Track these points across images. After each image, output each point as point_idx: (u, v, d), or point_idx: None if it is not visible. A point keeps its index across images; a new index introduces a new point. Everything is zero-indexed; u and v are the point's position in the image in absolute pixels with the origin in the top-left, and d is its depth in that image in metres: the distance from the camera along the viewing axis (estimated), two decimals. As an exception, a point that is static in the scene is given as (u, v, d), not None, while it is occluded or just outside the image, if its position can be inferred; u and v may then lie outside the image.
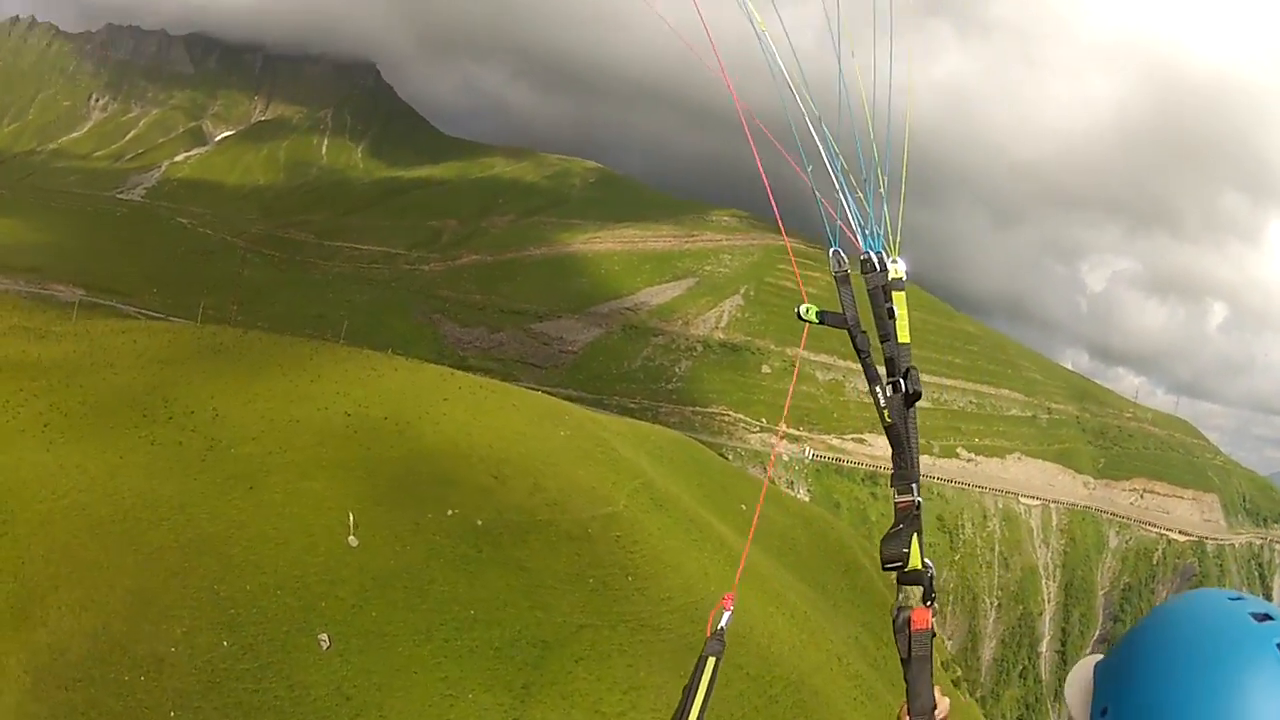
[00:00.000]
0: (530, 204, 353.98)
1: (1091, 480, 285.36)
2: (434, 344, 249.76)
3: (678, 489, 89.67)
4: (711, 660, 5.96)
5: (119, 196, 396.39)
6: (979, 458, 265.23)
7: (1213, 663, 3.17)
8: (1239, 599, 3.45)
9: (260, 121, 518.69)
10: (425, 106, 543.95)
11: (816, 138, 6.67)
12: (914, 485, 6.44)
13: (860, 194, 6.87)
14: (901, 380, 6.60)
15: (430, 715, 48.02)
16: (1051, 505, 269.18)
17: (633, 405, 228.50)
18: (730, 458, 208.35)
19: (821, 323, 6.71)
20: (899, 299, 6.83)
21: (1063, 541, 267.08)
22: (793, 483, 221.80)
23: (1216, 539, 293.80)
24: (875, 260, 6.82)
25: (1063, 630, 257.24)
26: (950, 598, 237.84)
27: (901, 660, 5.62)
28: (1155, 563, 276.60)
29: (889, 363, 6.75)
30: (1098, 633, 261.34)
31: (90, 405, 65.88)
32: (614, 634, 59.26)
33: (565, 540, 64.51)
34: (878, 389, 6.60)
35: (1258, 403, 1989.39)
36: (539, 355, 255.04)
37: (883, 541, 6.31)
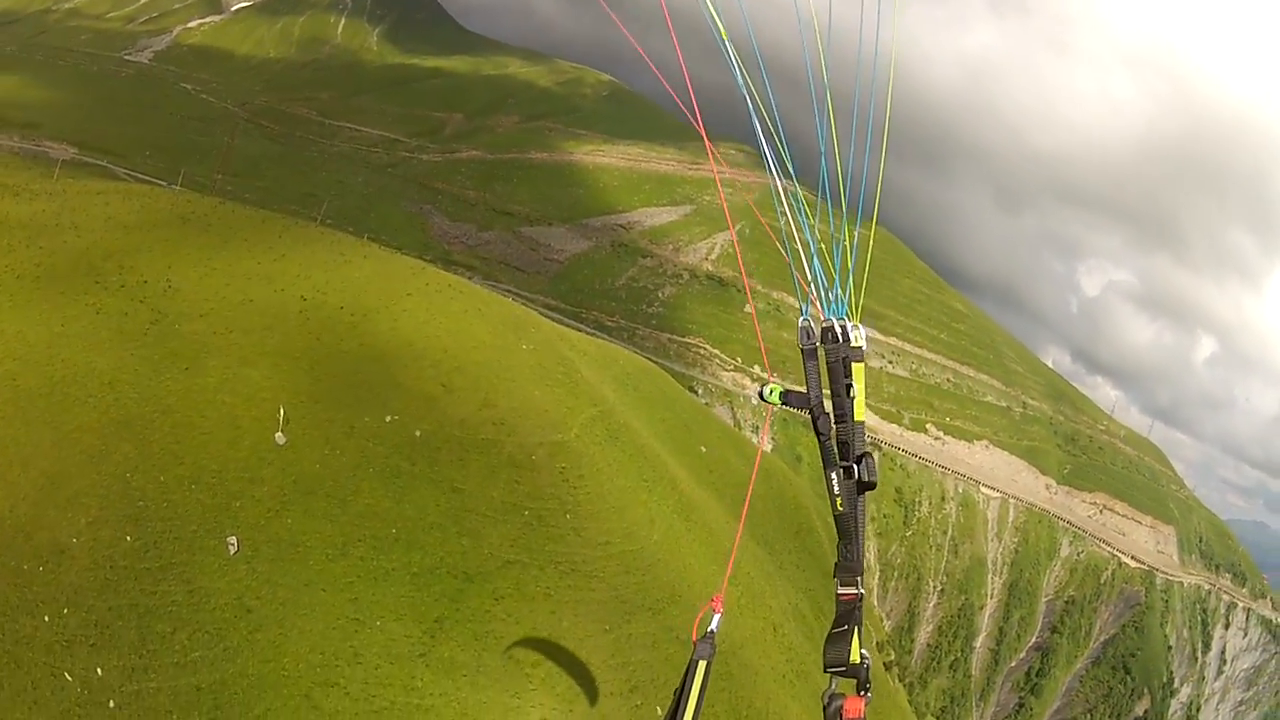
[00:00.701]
0: (539, 108, 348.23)
1: (1054, 484, 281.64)
2: (420, 234, 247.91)
3: (638, 422, 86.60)
4: (702, 664, 6.92)
5: (126, 58, 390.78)
6: (947, 438, 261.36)
7: None
8: None
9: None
10: None
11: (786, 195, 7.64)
12: (859, 579, 7.51)
13: (825, 256, 7.71)
14: (855, 466, 7.65)
15: (333, 639, 45.73)
16: (1011, 500, 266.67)
17: (610, 323, 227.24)
18: (700, 392, 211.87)
19: (785, 404, 7.95)
20: (858, 373, 8.02)
21: (1016, 539, 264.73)
22: (757, 427, 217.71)
23: (1167, 573, 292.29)
24: (838, 329, 7.96)
25: (1000, 630, 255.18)
26: (895, 574, 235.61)
27: None
28: (1102, 581, 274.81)
29: (842, 446, 7.80)
30: (1034, 639, 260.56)
31: (45, 268, 63.22)
32: (542, 575, 56.63)
33: (506, 465, 61.31)
34: (833, 475, 7.62)
35: (1229, 445, 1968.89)
36: (524, 259, 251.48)
37: (826, 644, 7.29)
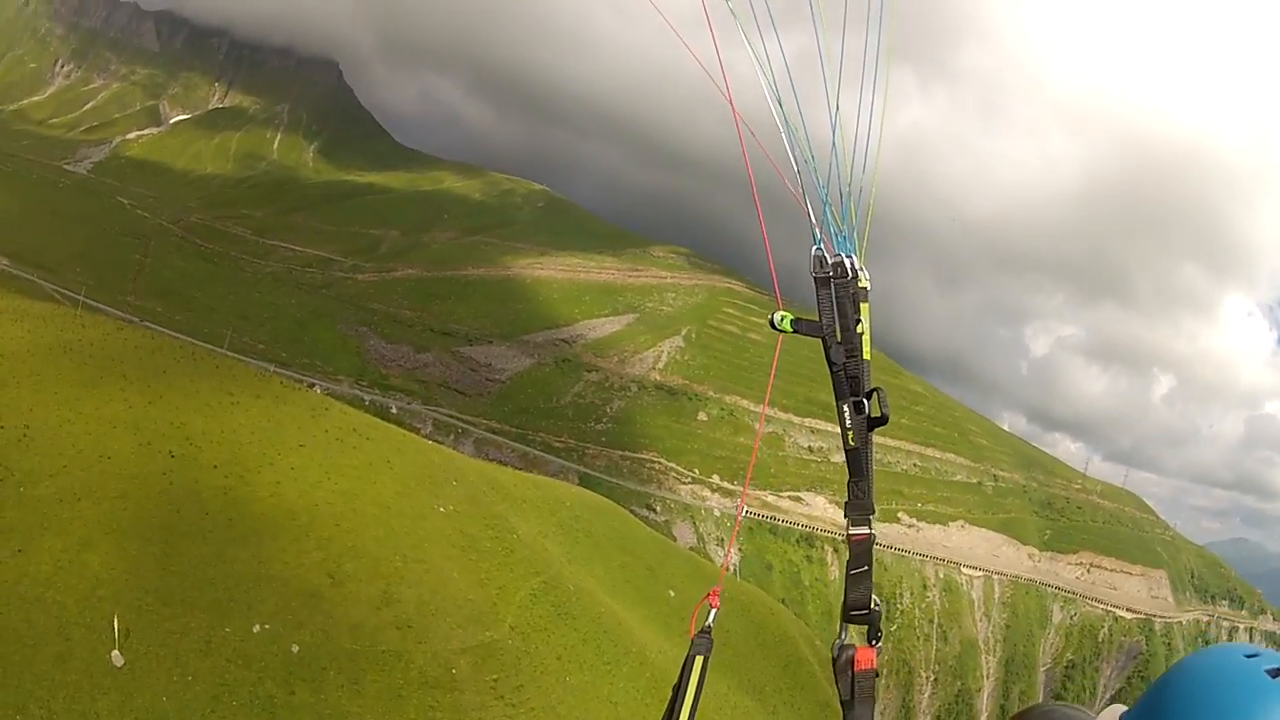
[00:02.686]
0: (474, 222, 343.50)
1: (1037, 552, 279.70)
2: (356, 358, 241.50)
3: (592, 580, 77.72)
4: (700, 660, 6.36)
5: (65, 167, 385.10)
6: (921, 524, 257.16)
7: (1231, 715, 3.75)
8: (1254, 655, 4.02)
9: (217, 108, 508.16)
10: (383, 112, 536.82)
11: (790, 136, 6.99)
12: (871, 516, 6.66)
13: (832, 194, 7.40)
14: (865, 401, 6.96)
15: None
16: (994, 576, 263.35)
17: (558, 444, 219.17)
18: (658, 509, 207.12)
19: (796, 331, 7.23)
20: (865, 311, 7.36)
21: (1005, 615, 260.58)
22: (723, 540, 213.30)
23: (1164, 617, 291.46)
24: (847, 264, 7.27)
25: (1001, 708, 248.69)
26: (884, 671, 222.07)
27: (842, 702, 6.02)
28: (1100, 640, 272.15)
29: (853, 380, 7.15)
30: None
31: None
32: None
33: (417, 685, 48.42)
34: (845, 406, 6.90)
35: (1197, 474, 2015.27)
36: (464, 380, 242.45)
37: (847, 585, 6.45)
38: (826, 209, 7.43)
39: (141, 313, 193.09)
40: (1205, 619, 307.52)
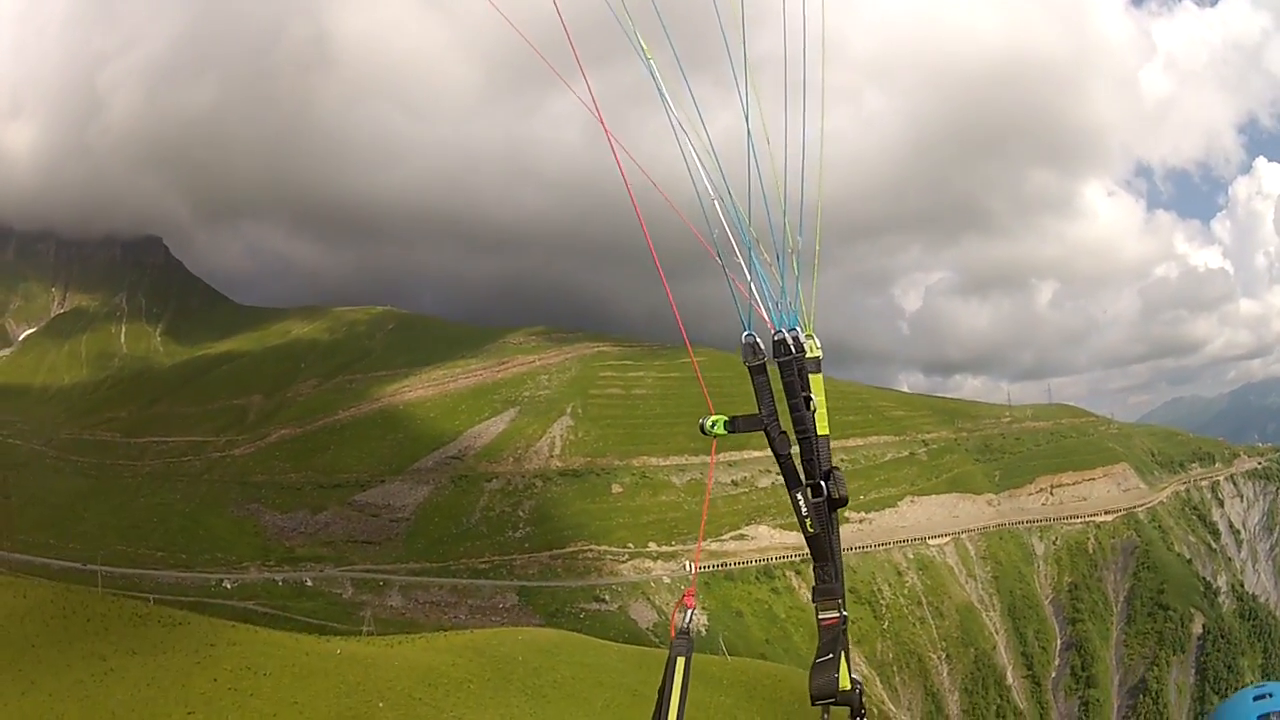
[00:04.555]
0: (332, 364, 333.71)
1: (994, 497, 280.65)
2: (256, 538, 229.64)
3: None
4: (681, 660, 6.45)
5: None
6: (870, 514, 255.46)
7: None
8: (1261, 697, 4.87)
9: (59, 314, 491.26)
10: (215, 277, 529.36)
11: (722, 207, 7.16)
12: (840, 600, 7.06)
13: (767, 264, 7.41)
14: (823, 483, 7.12)
15: None
16: (963, 536, 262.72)
17: (482, 565, 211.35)
18: (607, 598, 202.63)
19: (733, 432, 7.08)
20: (816, 384, 7.40)
21: (988, 568, 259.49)
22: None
23: (1144, 504, 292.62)
24: (790, 341, 7.20)
25: (1023, 655, 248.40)
26: (894, 668, 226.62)
27: None
28: (1092, 552, 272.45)
29: (808, 464, 7.19)
30: (1060, 642, 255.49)
31: None
32: None
33: None
34: (799, 495, 7.04)
35: (1110, 359, 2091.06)
36: (369, 530, 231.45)
37: (812, 673, 6.66)
38: (759, 275, 7.34)
39: (29, 548, 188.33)
40: (1183, 488, 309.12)
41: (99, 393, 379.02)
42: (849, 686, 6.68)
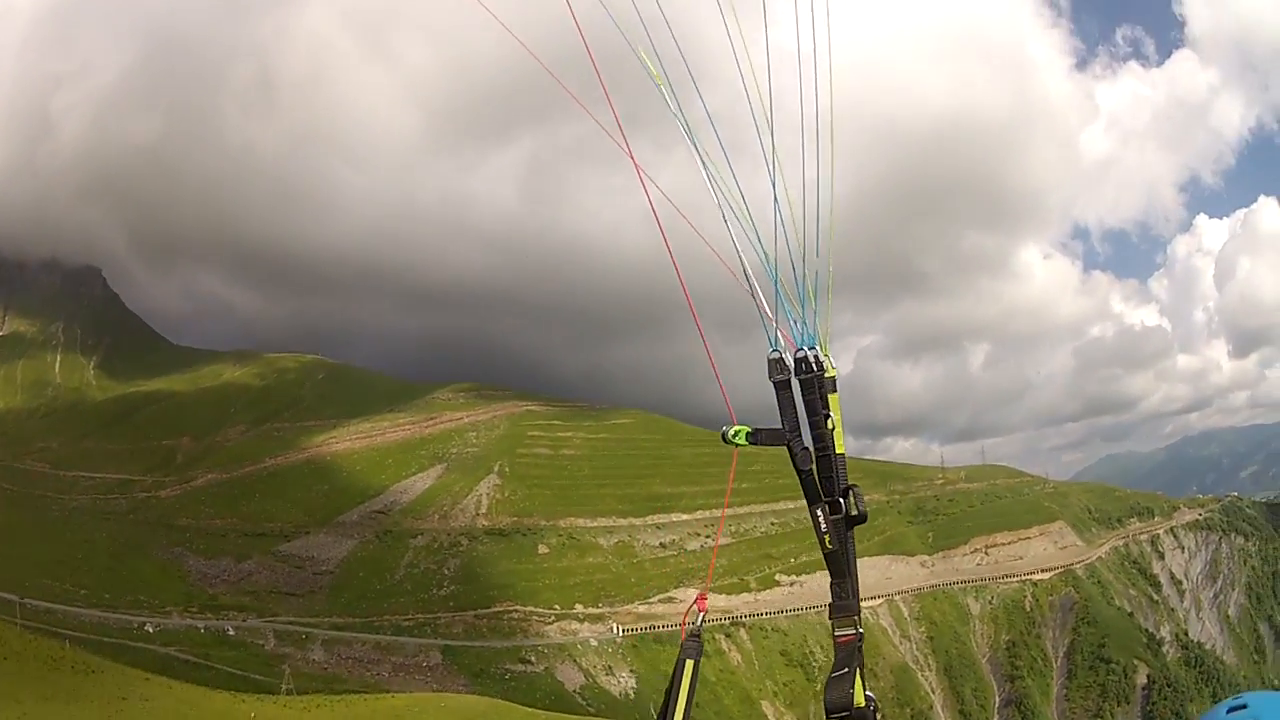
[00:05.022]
0: (262, 410, 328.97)
1: (927, 558, 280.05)
2: (181, 584, 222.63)
3: None
4: (690, 663, 6.59)
5: None
6: (801, 578, 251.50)
7: None
8: (1236, 709, 5.12)
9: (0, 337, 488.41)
10: (152, 315, 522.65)
11: (738, 228, 7.56)
12: (856, 617, 7.15)
13: (786, 286, 7.62)
14: (841, 500, 7.27)
15: None
16: (896, 598, 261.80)
17: (406, 623, 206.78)
18: (533, 659, 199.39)
19: (754, 444, 7.34)
20: (833, 403, 7.48)
21: (923, 628, 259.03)
22: (610, 667, 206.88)
23: (1082, 560, 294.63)
24: (812, 359, 7.41)
25: (961, 713, 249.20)
26: None
27: None
28: (1030, 610, 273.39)
29: (825, 481, 7.32)
30: (999, 698, 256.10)
31: None
32: None
33: None
34: (818, 511, 7.18)
35: (1043, 419, 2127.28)
36: (293, 581, 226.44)
37: (827, 688, 6.79)
38: (780, 299, 7.54)
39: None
40: (1121, 543, 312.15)
41: (31, 421, 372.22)
42: (863, 703, 6.63)
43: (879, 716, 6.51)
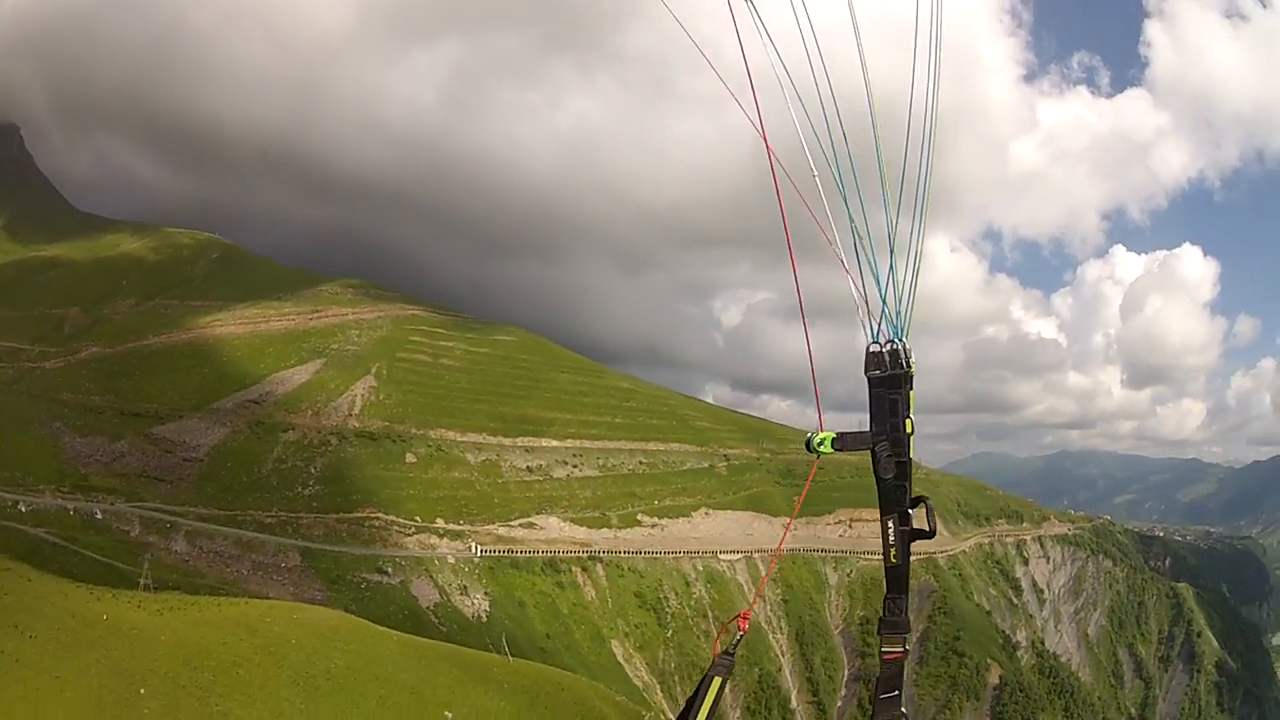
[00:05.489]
0: (153, 285, 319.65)
1: (790, 521, 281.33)
2: (55, 461, 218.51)
3: None
4: (717, 680, 6.97)
5: None
6: (663, 521, 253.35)
7: None
8: None
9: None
10: (62, 177, 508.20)
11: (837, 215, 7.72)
12: (906, 635, 7.72)
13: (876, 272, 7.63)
14: (910, 511, 7.49)
15: None
16: (755, 556, 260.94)
17: (269, 519, 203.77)
18: (390, 570, 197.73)
19: (839, 450, 7.50)
20: (911, 400, 7.47)
21: (779, 590, 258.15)
22: (466, 587, 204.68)
23: (945, 550, 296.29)
24: (904, 354, 7.43)
25: (809, 681, 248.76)
26: (676, 678, 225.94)
27: None
28: None
29: (898, 489, 7.50)
30: (847, 672, 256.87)
31: None
32: None
33: None
34: (890, 522, 7.49)
35: (924, 404, 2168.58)
36: (163, 466, 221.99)
37: (875, 708, 7.41)
38: (880, 288, 7.50)
39: None
40: (986, 541, 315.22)
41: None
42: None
43: None
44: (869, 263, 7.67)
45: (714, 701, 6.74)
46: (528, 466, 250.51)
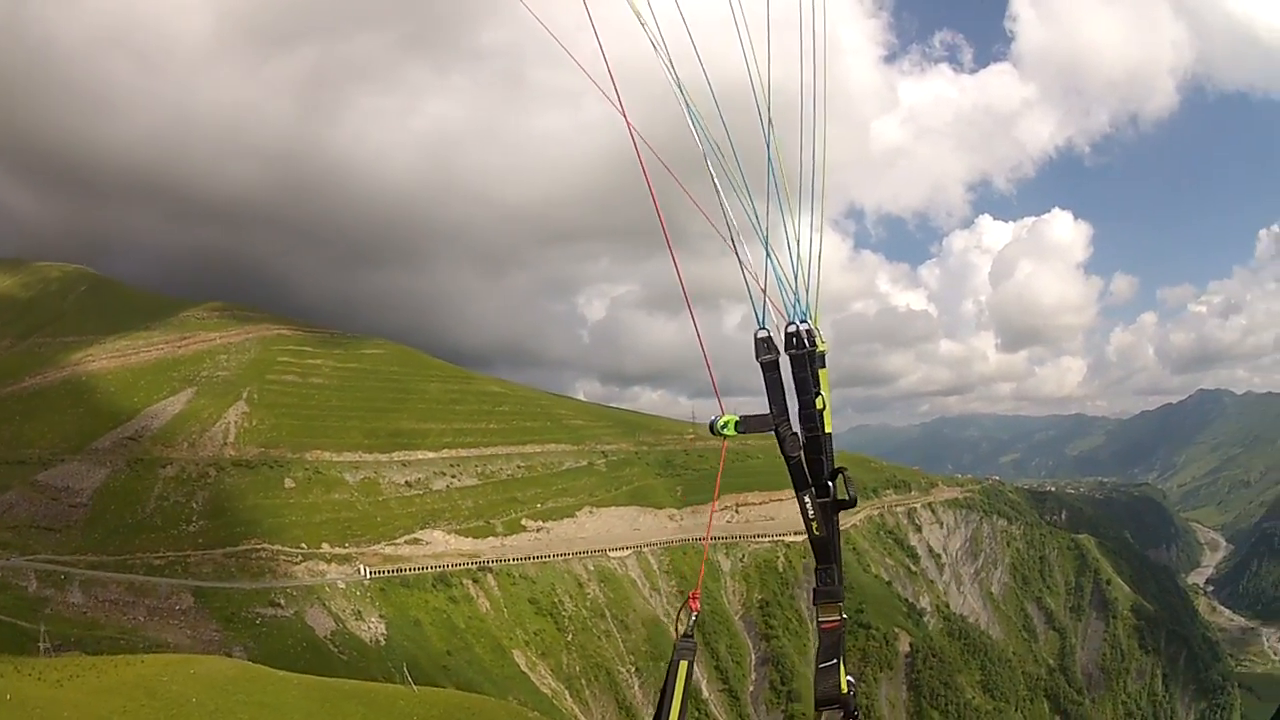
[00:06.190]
0: (26, 323, 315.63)
1: (676, 512, 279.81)
2: None
3: None
4: (684, 664, 7.20)
5: None
6: (548, 524, 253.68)
7: None
8: None
9: None
10: None
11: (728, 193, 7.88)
12: (841, 604, 7.93)
13: (774, 254, 7.86)
14: (830, 484, 7.75)
15: None
16: (645, 550, 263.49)
17: (158, 560, 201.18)
18: (282, 602, 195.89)
19: (743, 432, 7.63)
20: (824, 380, 7.81)
21: (673, 582, 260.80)
22: (360, 612, 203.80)
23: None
24: (804, 334, 7.70)
25: (717, 669, 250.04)
26: (583, 681, 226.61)
27: None
28: (783, 570, 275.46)
29: (814, 464, 7.72)
30: (754, 656, 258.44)
31: None
32: None
33: None
34: (806, 497, 7.66)
35: (794, 385, 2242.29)
36: (49, 514, 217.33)
37: (816, 678, 7.59)
38: (772, 268, 7.66)
39: None
40: (876, 513, 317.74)
41: None
42: (845, 690, 7.66)
43: (856, 699, 7.66)
44: (762, 247, 8.19)
45: (685, 683, 7.10)
46: (406, 481, 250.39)
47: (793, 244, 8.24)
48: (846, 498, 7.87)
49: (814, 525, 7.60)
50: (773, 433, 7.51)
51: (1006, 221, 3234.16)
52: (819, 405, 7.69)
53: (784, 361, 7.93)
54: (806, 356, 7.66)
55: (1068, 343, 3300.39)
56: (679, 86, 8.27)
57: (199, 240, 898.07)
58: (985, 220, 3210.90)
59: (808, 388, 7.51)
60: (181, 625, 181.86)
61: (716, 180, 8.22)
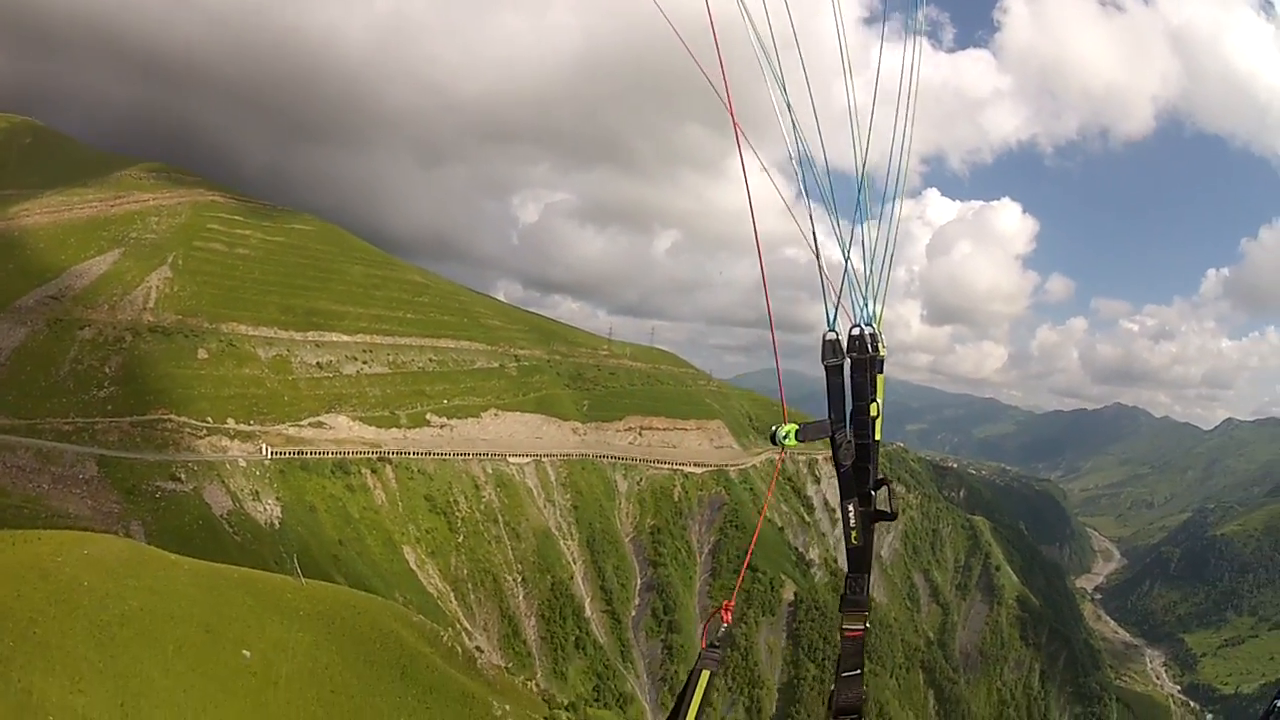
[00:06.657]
0: None
1: (580, 426, 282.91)
2: None
3: (140, 684, 76.80)
4: (706, 674, 7.21)
5: None
6: (452, 421, 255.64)
7: None
8: None
9: None
10: None
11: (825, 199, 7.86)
12: (866, 614, 7.80)
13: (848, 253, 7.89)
14: (873, 493, 7.73)
15: None
16: (544, 460, 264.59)
17: (66, 426, 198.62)
18: (183, 476, 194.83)
19: (802, 440, 7.56)
20: (880, 385, 7.78)
21: (569, 496, 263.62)
22: (258, 492, 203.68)
23: (736, 464, 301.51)
24: (869, 339, 7.71)
25: (602, 589, 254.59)
26: (469, 585, 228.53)
27: None
28: (677, 500, 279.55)
29: (861, 472, 7.73)
30: (640, 581, 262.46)
31: None
32: None
33: None
34: (850, 506, 7.69)
35: (715, 316, 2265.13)
36: None
37: (838, 687, 7.48)
38: (847, 270, 7.85)
39: None
40: (778, 457, 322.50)
41: None
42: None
43: (864, 706, 7.74)
44: (841, 250, 8.42)
45: (704, 694, 7.09)
46: (318, 362, 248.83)
47: (868, 247, 8.80)
48: (887, 510, 8.06)
49: (854, 534, 7.84)
50: (829, 439, 7.80)
51: (954, 200, 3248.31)
52: (872, 412, 7.91)
53: (845, 365, 8.20)
54: (868, 361, 7.93)
55: (994, 329, 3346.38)
56: (793, 124, 9.19)
57: (143, 97, 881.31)
58: (933, 194, 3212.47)
59: (864, 393, 7.75)
60: (84, 495, 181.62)
61: (807, 191, 9.29)
